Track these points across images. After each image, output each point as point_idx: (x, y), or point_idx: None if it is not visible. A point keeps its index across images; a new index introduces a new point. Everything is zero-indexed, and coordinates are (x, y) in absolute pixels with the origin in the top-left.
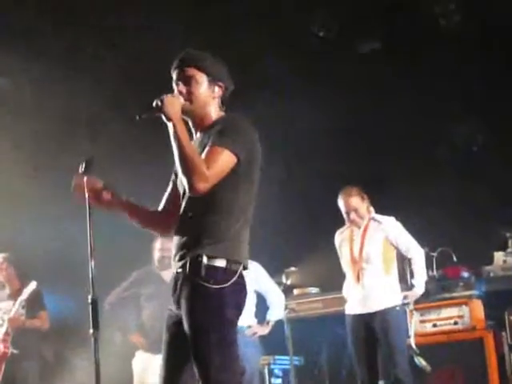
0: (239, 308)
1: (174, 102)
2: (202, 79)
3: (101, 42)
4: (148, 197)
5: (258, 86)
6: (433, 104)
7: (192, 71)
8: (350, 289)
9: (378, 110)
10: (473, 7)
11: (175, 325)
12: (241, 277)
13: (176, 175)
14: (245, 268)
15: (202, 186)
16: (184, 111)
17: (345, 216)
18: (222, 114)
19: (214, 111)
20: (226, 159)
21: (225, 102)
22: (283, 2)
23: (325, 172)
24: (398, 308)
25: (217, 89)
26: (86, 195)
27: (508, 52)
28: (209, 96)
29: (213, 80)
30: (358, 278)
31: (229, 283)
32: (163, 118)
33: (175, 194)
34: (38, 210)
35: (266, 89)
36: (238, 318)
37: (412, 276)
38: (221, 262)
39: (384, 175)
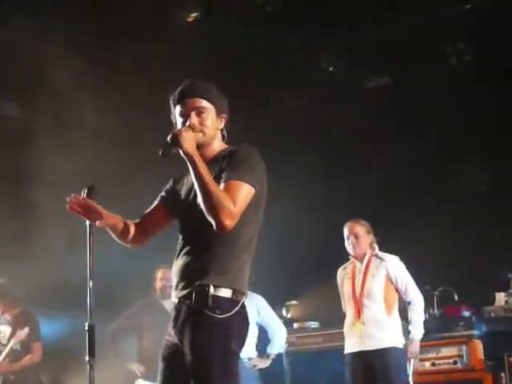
0: (243, 339)
1: (189, 136)
2: (212, 111)
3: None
4: None
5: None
6: (439, 142)
7: (203, 102)
8: (349, 326)
9: (383, 147)
10: (483, 47)
11: (172, 355)
12: (243, 307)
13: (167, 194)
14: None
15: (230, 224)
16: (196, 144)
17: (346, 242)
18: (225, 145)
19: (218, 143)
20: (247, 193)
21: (224, 134)
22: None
23: (328, 207)
24: (398, 348)
25: (221, 121)
26: (88, 221)
27: None
28: (216, 128)
29: (218, 112)
30: (359, 314)
31: (232, 312)
32: (180, 152)
33: (158, 212)
34: (39, 237)
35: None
36: (241, 350)
37: (410, 322)
38: (227, 293)
39: (388, 214)
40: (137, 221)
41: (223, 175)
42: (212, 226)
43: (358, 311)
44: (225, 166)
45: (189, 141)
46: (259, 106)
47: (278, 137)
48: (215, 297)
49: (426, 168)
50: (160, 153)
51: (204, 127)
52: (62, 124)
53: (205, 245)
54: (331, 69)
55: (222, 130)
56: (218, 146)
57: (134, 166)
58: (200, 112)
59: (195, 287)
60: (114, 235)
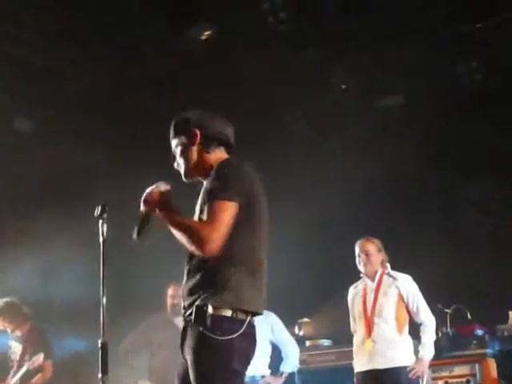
0: (247, 358)
1: (152, 195)
2: (181, 142)
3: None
4: None
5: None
6: (450, 161)
7: (173, 143)
8: (359, 345)
9: (394, 164)
10: (495, 65)
11: (185, 373)
12: (249, 326)
13: None
14: (256, 314)
15: (212, 247)
16: (191, 179)
17: (357, 260)
18: (223, 157)
19: (214, 158)
20: (226, 212)
21: (212, 143)
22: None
23: (340, 226)
24: (408, 368)
25: (194, 140)
26: (101, 239)
27: None
28: (192, 150)
29: (188, 136)
30: (370, 333)
31: (236, 334)
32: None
33: None
34: (53, 253)
35: (284, 142)
36: (245, 368)
37: (420, 343)
38: (226, 312)
39: (401, 232)
40: None
41: (206, 197)
42: None
43: (369, 329)
44: (208, 183)
45: (151, 199)
46: (271, 124)
47: (291, 155)
48: (214, 317)
49: (438, 187)
50: (134, 236)
51: (183, 164)
52: None
53: (199, 265)
54: (344, 87)
55: (207, 140)
56: (214, 161)
57: None
58: (178, 150)
59: (195, 308)
60: None
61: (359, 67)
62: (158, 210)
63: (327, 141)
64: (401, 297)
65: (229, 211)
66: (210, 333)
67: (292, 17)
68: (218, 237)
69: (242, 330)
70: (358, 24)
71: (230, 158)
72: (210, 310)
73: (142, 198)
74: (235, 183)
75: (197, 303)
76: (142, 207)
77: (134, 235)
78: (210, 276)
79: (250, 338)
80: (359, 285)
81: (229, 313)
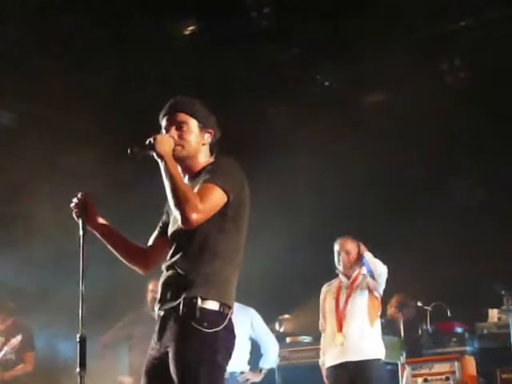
0: (229, 353)
1: (165, 141)
2: (194, 125)
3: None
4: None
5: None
6: (434, 159)
7: (184, 117)
8: (330, 339)
9: (377, 162)
10: (478, 64)
11: (156, 369)
12: (230, 320)
13: (168, 215)
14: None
15: (194, 217)
16: (175, 156)
17: (336, 259)
18: (212, 159)
19: (203, 158)
20: (216, 196)
21: (214, 150)
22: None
23: (320, 223)
24: (381, 361)
25: (206, 135)
26: (81, 233)
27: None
28: (199, 142)
29: (203, 127)
30: (341, 327)
31: (221, 327)
32: (154, 156)
33: (162, 237)
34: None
35: (268, 139)
36: (227, 363)
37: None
38: (214, 305)
39: (380, 230)
40: (146, 247)
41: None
42: (195, 238)
43: (340, 324)
44: (202, 177)
45: (163, 144)
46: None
47: (275, 151)
48: (203, 309)
49: (419, 184)
50: (129, 151)
51: (183, 141)
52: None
53: (188, 257)
54: (327, 83)
55: (211, 146)
56: (203, 160)
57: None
58: (180, 126)
59: (183, 299)
60: (120, 257)
61: (343, 64)
62: (162, 154)
63: (309, 136)
64: (371, 289)
65: (220, 198)
66: (198, 325)
67: (275, 12)
68: (204, 214)
69: (225, 323)
70: (341, 20)
71: (226, 156)
72: (200, 302)
73: (155, 138)
74: (231, 178)
75: (184, 295)
76: (148, 141)
77: (130, 150)
78: (200, 269)
79: (231, 332)
80: (333, 282)
81: (217, 306)
